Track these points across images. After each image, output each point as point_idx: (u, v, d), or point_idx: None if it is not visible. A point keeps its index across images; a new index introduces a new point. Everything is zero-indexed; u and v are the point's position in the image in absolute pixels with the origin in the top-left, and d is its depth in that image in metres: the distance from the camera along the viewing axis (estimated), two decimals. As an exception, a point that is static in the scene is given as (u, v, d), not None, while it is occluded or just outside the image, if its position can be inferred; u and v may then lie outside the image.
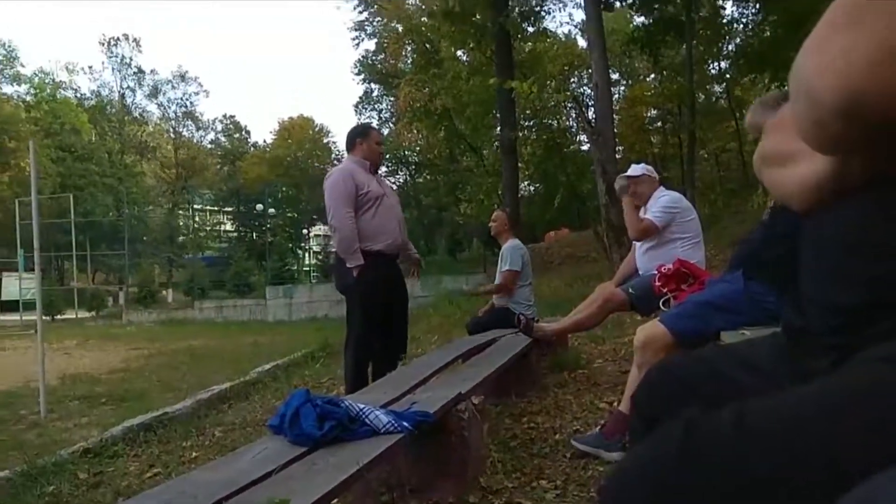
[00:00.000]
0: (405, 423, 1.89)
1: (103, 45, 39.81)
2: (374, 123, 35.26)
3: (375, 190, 3.67)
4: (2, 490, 2.80)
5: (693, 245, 3.37)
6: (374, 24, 30.01)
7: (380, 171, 4.04)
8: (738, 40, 18.74)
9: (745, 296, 2.12)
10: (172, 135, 43.35)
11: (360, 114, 35.99)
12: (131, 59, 40.61)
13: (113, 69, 40.46)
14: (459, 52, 21.87)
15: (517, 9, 17.96)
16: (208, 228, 43.28)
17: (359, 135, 3.84)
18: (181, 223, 40.96)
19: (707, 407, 0.65)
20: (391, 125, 32.96)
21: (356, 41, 30.61)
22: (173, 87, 42.26)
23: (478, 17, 17.25)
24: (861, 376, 0.61)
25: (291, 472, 1.58)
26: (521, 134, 16.52)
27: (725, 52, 19.90)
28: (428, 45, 23.29)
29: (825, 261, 0.77)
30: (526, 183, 24.62)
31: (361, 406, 1.93)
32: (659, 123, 27.58)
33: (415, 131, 27.47)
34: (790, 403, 0.62)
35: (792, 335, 0.85)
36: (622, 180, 3.62)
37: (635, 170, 3.60)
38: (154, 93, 41.80)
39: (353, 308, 3.78)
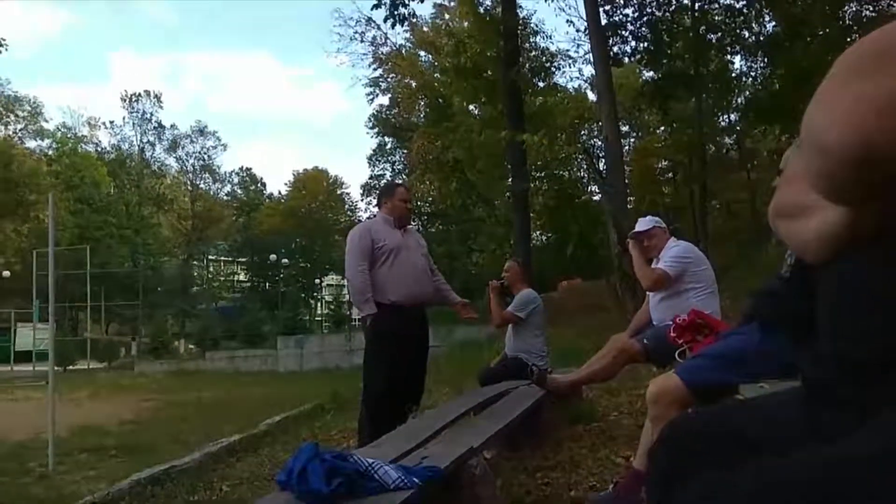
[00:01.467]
0: (415, 479, 1.84)
1: (125, 100, 41.12)
2: (388, 175, 35.82)
3: (392, 243, 3.75)
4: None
5: (708, 295, 3.33)
6: (389, 79, 30.81)
7: (409, 227, 4.10)
8: (746, 93, 18.99)
9: (761, 348, 2.08)
10: (190, 187, 44.15)
11: (374, 166, 36.60)
12: (152, 115, 41.79)
13: (133, 124, 41.65)
14: (471, 107, 22.32)
15: (527, 65, 18.39)
16: (222, 279, 43.59)
17: (384, 193, 4.10)
18: (195, 273, 41.29)
19: (726, 464, 0.63)
20: (404, 176, 33.39)
21: (370, 96, 31.36)
22: (192, 142, 43.26)
23: (489, 73, 17.69)
24: (887, 442, 0.59)
25: (298, 530, 1.54)
26: (532, 185, 16.67)
27: (735, 105, 20.13)
28: (440, 100, 23.81)
29: (843, 313, 0.76)
30: (538, 233, 24.72)
31: (370, 461, 1.89)
32: (670, 174, 27.75)
33: (427, 182, 27.84)
34: (811, 467, 0.60)
35: (810, 388, 0.83)
36: (634, 236, 3.62)
37: (643, 223, 3.59)
38: (173, 147, 42.78)
39: (367, 358, 3.80)
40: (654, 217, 3.65)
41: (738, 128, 20.76)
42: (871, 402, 0.66)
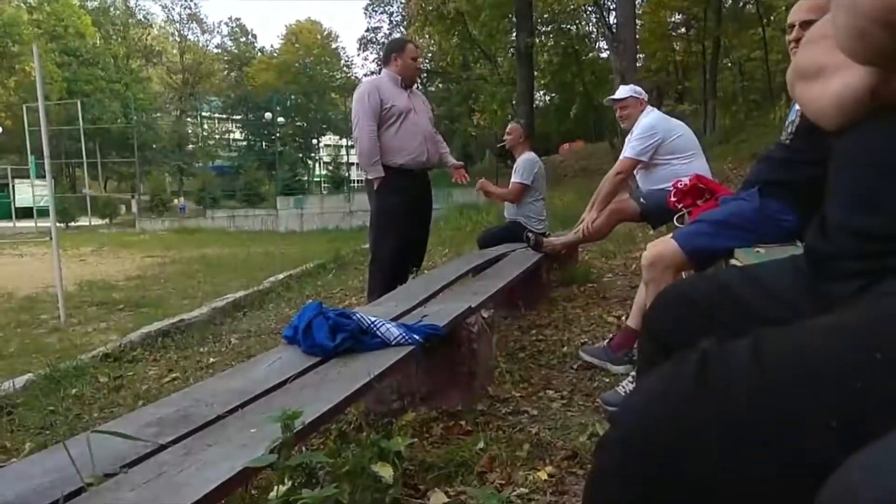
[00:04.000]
0: (416, 336, 1.92)
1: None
2: (385, 28, 34.07)
3: (401, 105, 3.66)
4: (27, 392, 2.92)
5: (690, 160, 3.25)
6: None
7: (414, 87, 3.96)
8: (771, -61, 17.53)
9: (760, 213, 2.08)
10: (177, 38, 42.18)
11: (370, 17, 34.71)
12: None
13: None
14: (475, -49, 20.69)
15: None
16: (217, 137, 42.94)
17: (395, 49, 3.86)
18: (189, 131, 40.58)
19: (723, 334, 0.64)
20: (402, 30, 31.75)
21: (366, -62, 29.01)
22: (177, -13, 40.74)
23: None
24: (887, 307, 0.59)
25: (305, 382, 1.62)
26: (538, 40, 15.87)
27: (757, -47, 18.68)
28: (441, -57, 22.01)
29: (856, 184, 0.73)
30: (541, 93, 23.96)
31: (373, 319, 1.95)
32: (683, 30, 26.35)
33: (426, 37, 26.47)
34: (809, 335, 0.60)
35: (815, 260, 0.82)
36: (608, 102, 3.60)
37: (621, 91, 3.49)
38: (157, -7, 40.35)
39: (374, 220, 3.84)
40: (635, 87, 3.52)
41: (757, -21, 19.40)
42: (877, 275, 0.66)
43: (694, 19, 23.46)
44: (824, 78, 0.75)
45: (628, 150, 3.27)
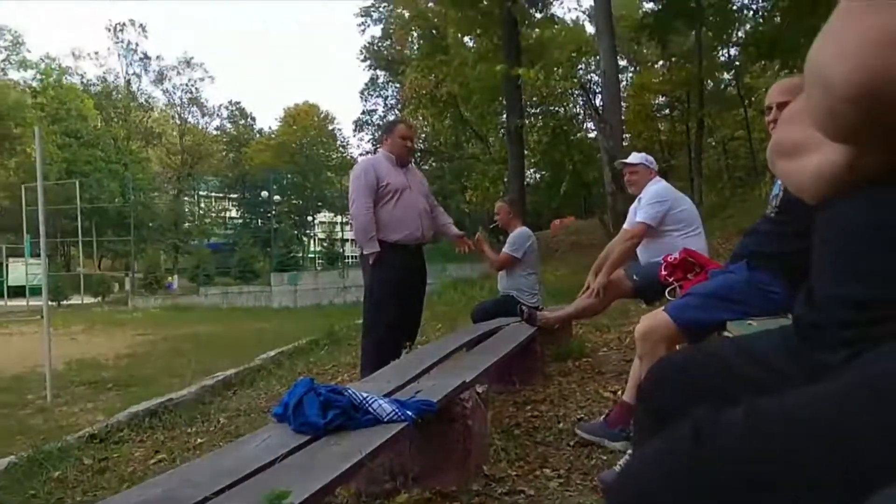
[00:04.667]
0: (409, 412, 1.89)
1: (109, 30, 39.87)
2: (380, 110, 35.18)
3: (397, 183, 3.75)
4: (8, 475, 2.82)
5: (692, 236, 3.34)
6: (381, 9, 29.84)
7: (410, 165, 4.06)
8: (747, 27, 18.51)
9: (749, 285, 2.10)
10: (178, 121, 43.36)
11: (366, 100, 35.91)
12: (137, 45, 40.60)
13: (119, 55, 40.47)
14: (466, 39, 21.71)
15: (525, -5, 17.79)
16: (213, 215, 43.40)
17: (385, 130, 4.07)
18: (186, 209, 41.06)
19: (716, 404, 0.64)
20: (397, 112, 32.84)
21: (362, 27, 30.48)
22: (179, 73, 42.28)
23: (485, 2, 17.09)
24: (878, 375, 0.59)
25: (294, 461, 1.58)
26: (527, 121, 16.42)
27: (735, 39, 19.65)
28: (434, 32, 23.12)
29: (840, 254, 0.75)
30: (532, 170, 24.54)
31: (365, 395, 1.93)
32: (667, 111, 27.35)
33: (420, 118, 27.37)
34: (802, 403, 0.60)
35: (804, 329, 0.83)
36: (620, 165, 3.70)
37: (633, 157, 3.63)
38: (160, 79, 41.80)
39: (368, 294, 3.85)
40: (647, 156, 3.63)
41: (737, 63, 20.32)
42: (865, 343, 0.67)
43: (677, 101, 24.42)
44: (803, 155, 0.78)
45: (641, 215, 3.34)
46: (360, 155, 34.58)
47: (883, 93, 0.54)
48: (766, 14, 16.92)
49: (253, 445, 1.73)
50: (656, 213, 3.29)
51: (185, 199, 41.76)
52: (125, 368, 6.83)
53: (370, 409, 1.87)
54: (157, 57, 41.74)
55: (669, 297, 2.69)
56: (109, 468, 2.99)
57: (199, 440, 3.39)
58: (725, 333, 2.00)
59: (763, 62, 16.87)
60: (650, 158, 3.63)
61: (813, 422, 0.58)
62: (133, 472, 2.89)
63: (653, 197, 3.35)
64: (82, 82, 39.43)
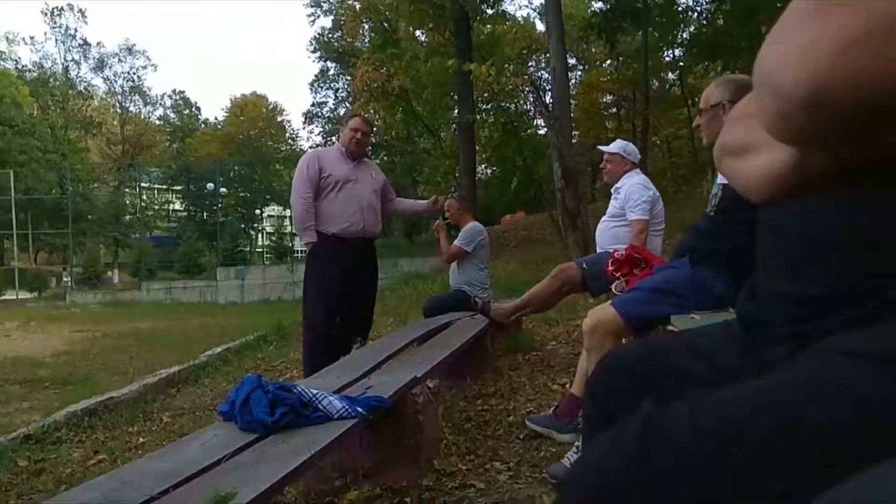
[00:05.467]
0: (359, 409, 1.87)
1: (46, 14, 37.96)
2: (330, 103, 34.69)
3: (340, 175, 3.68)
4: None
5: (657, 231, 3.45)
6: (331, 0, 29.38)
7: (366, 159, 4.01)
8: (692, 28, 19.06)
9: (692, 281, 2.17)
10: (119, 110, 41.77)
11: (316, 92, 35.34)
12: (76, 31, 38.89)
13: (56, 40, 38.66)
14: (418, 33, 21.65)
15: (476, -11, 17.83)
16: (156, 207, 42.06)
17: (342, 122, 3.93)
18: (128, 202, 39.63)
19: (663, 398, 0.65)
20: (347, 105, 32.46)
21: (312, 17, 29.94)
22: (120, 61, 40.77)
23: (436, -4, 17.08)
24: (818, 370, 0.61)
25: (241, 461, 1.55)
26: (478, 117, 16.50)
27: (680, 41, 20.22)
28: (386, 24, 22.98)
29: (783, 253, 0.77)
30: (483, 166, 24.66)
31: (314, 392, 1.90)
32: (614, 109, 27.95)
33: (372, 111, 27.15)
34: (744, 398, 0.62)
35: (747, 325, 0.86)
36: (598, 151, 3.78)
37: (613, 146, 3.66)
38: (100, 66, 40.17)
39: (306, 288, 3.80)
40: (627, 145, 3.65)
41: (681, 63, 20.92)
42: (806, 339, 0.69)
43: (624, 100, 24.98)
44: (750, 155, 0.79)
45: (635, 214, 3.38)
46: (310, 147, 34.06)
47: (830, 96, 0.55)
48: (709, 16, 17.47)
49: (197, 445, 1.68)
50: (646, 206, 3.37)
51: (127, 190, 40.30)
52: (63, 366, 6.56)
53: (320, 406, 1.85)
54: (98, 43, 40.08)
55: (616, 292, 2.75)
56: (46, 470, 2.87)
57: (141, 440, 3.29)
58: (669, 327, 2.06)
59: (706, 63, 17.40)
60: (629, 149, 3.63)
61: (753, 417, 0.59)
62: (71, 473, 2.78)
63: (639, 192, 3.41)
64: (17, 68, 37.52)
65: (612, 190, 3.61)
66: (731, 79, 2.15)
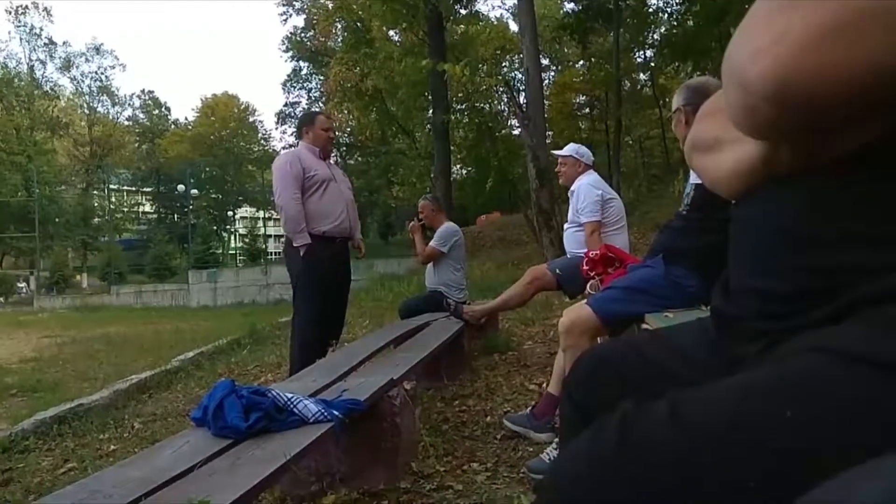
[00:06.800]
0: (335, 412, 1.85)
1: (10, 13, 37.05)
2: (304, 103, 34.43)
3: (322, 174, 3.69)
4: None
5: (616, 232, 3.48)
6: (303, -1, 29.15)
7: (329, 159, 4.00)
8: (662, 30, 19.33)
9: (666, 279, 2.19)
10: (86, 110, 40.87)
11: (289, 92, 35.07)
12: (41, 30, 37.92)
13: (21, 39, 37.65)
14: (391, 33, 21.57)
15: (449, -11, 17.85)
16: (126, 210, 41.25)
17: (305, 122, 3.94)
18: (96, 204, 38.83)
19: (641, 397, 0.65)
20: (321, 105, 32.24)
21: (284, 17, 29.67)
22: (87, 61, 39.85)
23: (409, -4, 17.04)
24: (791, 367, 0.61)
25: (214, 467, 1.52)
26: (453, 117, 16.52)
27: (651, 42, 20.49)
28: (359, 24, 22.83)
29: (755, 249, 0.77)
30: (458, 166, 24.71)
31: (290, 395, 1.88)
32: (587, 110, 28.19)
33: (346, 112, 27.00)
34: (722, 395, 0.62)
35: (721, 322, 0.86)
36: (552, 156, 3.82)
37: (566, 149, 3.73)
38: (66, 66, 39.20)
39: (300, 290, 3.76)
40: (579, 148, 3.72)
41: (652, 64, 21.20)
42: (779, 335, 0.69)
43: (597, 100, 25.22)
44: (720, 150, 0.79)
45: (584, 217, 3.45)
46: (283, 148, 33.76)
47: (797, 90, 0.55)
48: (679, 18, 17.73)
49: (170, 451, 1.65)
50: (595, 207, 3.42)
51: (95, 192, 39.47)
52: (31, 373, 6.39)
53: (295, 410, 1.83)
54: (64, 43, 39.36)
55: (591, 291, 2.77)
56: (14, 479, 2.80)
57: (111, 447, 3.22)
58: (644, 326, 2.08)
59: (677, 64, 17.66)
60: (582, 151, 3.70)
61: (732, 415, 0.59)
62: (40, 482, 2.71)
63: (586, 194, 3.47)
64: (-21, 68, 36.54)
65: (569, 194, 3.67)
66: (688, 83, 2.20)
